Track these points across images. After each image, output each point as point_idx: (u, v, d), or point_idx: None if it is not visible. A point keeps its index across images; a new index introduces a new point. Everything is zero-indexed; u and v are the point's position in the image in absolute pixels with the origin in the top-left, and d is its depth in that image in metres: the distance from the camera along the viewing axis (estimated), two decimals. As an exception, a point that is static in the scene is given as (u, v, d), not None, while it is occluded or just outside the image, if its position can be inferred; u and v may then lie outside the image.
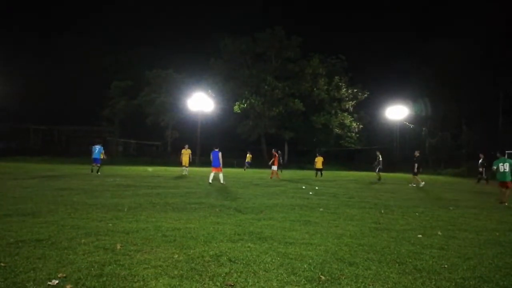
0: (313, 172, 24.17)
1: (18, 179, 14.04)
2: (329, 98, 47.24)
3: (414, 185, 17.14)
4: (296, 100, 45.10)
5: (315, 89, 46.70)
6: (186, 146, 20.24)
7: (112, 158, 34.69)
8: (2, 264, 3.61)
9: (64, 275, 3.38)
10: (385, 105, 43.66)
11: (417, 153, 17.97)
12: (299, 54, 46.72)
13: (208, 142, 43.31)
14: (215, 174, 14.86)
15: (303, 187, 14.94)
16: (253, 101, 44.53)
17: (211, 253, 4.27)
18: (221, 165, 15.00)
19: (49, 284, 3.14)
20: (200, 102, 40.71)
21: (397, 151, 43.08)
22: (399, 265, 4.11)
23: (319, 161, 23.14)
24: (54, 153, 40.24)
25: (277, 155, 20.50)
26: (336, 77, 47.10)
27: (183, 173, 19.27)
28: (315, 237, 5.31)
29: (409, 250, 4.74)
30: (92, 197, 8.99)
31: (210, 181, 14.61)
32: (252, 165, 31.52)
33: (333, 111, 47.17)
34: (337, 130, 46.94)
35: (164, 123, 45.99)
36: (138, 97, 45.46)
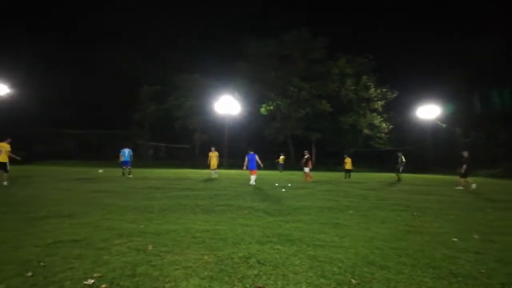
0: (341, 174, 23.85)
1: (55, 181, 14.64)
2: (357, 98, 46.45)
3: (462, 187, 15.96)
4: (323, 101, 44.66)
5: (342, 89, 46.08)
6: (213, 148, 20.32)
7: (142, 161, 35.60)
8: (42, 264, 3.78)
9: (100, 274, 3.50)
10: (415, 105, 42.53)
11: (465, 154, 16.67)
12: (325, 55, 46.25)
13: (235, 144, 43.77)
14: (252, 176, 15.25)
15: (276, 184, 15.56)
16: (279, 102, 44.49)
17: (240, 254, 4.30)
18: (257, 167, 15.43)
19: (85, 283, 3.27)
20: (227, 105, 41.20)
21: (429, 152, 41.82)
22: (433, 269, 3.99)
23: (348, 162, 22.83)
24: (87, 156, 41.71)
25: (309, 157, 20.13)
26: (364, 76, 46.23)
27: (212, 176, 19.39)
28: (345, 240, 5.24)
29: (443, 254, 4.59)
30: (124, 199, 9.25)
31: (251, 183, 14.86)
32: (278, 166, 31.45)
33: (361, 112, 46.32)
34: (366, 131, 46.07)
35: (192, 126, 46.81)
36: (167, 102, 46.55)
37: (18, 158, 13.09)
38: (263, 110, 45.35)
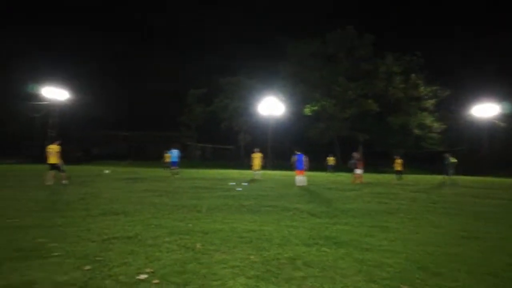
0: (389, 175, 23.04)
1: (108, 181, 15.47)
2: (406, 97, 44.57)
3: None
4: (369, 101, 43.35)
5: (390, 88, 44.44)
6: (257, 149, 20.29)
7: (190, 162, 36.66)
8: (98, 258, 4.01)
9: (151, 270, 3.65)
10: (470, 103, 40.10)
11: None
12: (371, 53, 44.90)
13: (279, 145, 43.79)
14: (300, 177, 15.09)
15: (231, 183, 15.31)
16: (324, 103, 43.81)
17: (286, 256, 4.29)
18: (306, 168, 15.30)
19: (138, 278, 3.42)
20: (271, 106, 41.34)
21: (486, 153, 39.23)
22: (492, 277, 3.74)
23: (399, 163, 22.00)
24: (138, 157, 43.67)
25: (360, 157, 19.50)
26: (413, 74, 44.27)
27: (255, 177, 19.40)
28: (394, 244, 5.05)
29: (503, 262, 4.28)
30: (173, 199, 9.56)
31: (299, 184, 14.79)
32: (319, 168, 30.99)
33: (411, 111, 44.34)
34: (416, 131, 44.06)
35: (237, 127, 47.56)
36: (213, 104, 47.68)
37: (62, 162, 13.81)
38: (307, 110, 44.89)
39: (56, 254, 4.14)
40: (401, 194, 12.70)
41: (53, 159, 13.32)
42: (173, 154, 20.39)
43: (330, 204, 9.32)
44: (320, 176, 25.02)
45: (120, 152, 50.09)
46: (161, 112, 54.49)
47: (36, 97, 39.11)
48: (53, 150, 13.39)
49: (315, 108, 44.47)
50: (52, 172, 13.17)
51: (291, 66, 46.61)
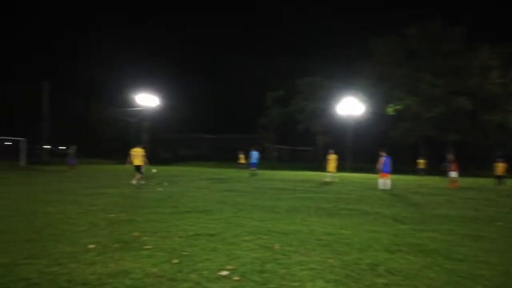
0: (485, 180, 20.81)
1: (193, 181, 16.41)
2: (505, 93, 39.75)
3: None
4: (460, 98, 39.52)
5: (485, 83, 40.02)
6: (332, 151, 19.47)
7: (268, 163, 37.26)
8: (185, 253, 4.29)
9: (232, 267, 3.79)
10: None
11: None
12: (461, 46, 40.88)
13: (359, 146, 42.23)
14: (384, 180, 14.46)
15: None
16: (408, 101, 41.12)
17: (367, 261, 4.14)
18: (388, 170, 14.55)
19: (220, 274, 3.58)
20: (350, 107, 40.12)
21: None
22: None
23: (500, 167, 19.73)
24: (220, 158, 45.58)
25: (455, 160, 17.94)
26: (514, 68, 39.31)
27: (327, 180, 18.43)
28: (491, 255, 4.57)
29: None
30: (253, 199, 9.80)
31: (382, 187, 14.20)
32: (410, 171, 29.17)
33: (511, 109, 39.47)
34: (517, 130, 39.12)
35: (315, 129, 47.03)
36: (290, 105, 47.81)
37: (147, 163, 14.51)
38: (390, 110, 42.53)
39: (148, 247, 4.51)
40: (499, 201, 11.42)
41: (138, 161, 14.03)
42: (253, 156, 20.90)
43: (417, 209, 8.75)
44: (405, 179, 23.59)
45: (205, 153, 52.98)
46: (244, 116, 56.51)
47: (131, 104, 43.13)
48: (137, 153, 14.11)
49: (398, 107, 41.94)
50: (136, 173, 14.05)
51: (371, 64, 44.68)
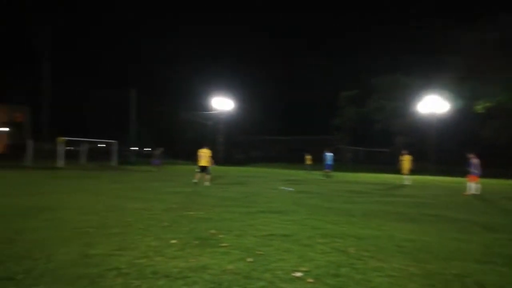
0: None
1: (266, 182, 16.63)
2: None
3: None
4: None
5: None
6: (405, 151, 18.40)
7: (342, 165, 36.34)
8: (259, 252, 4.37)
9: (306, 269, 3.77)
10: None
11: None
12: None
13: (442, 147, 39.05)
14: (473, 184, 13.31)
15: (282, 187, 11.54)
16: (502, 98, 37.01)
17: (453, 272, 3.83)
18: (479, 173, 13.31)
19: (293, 275, 3.59)
20: (432, 105, 37.29)
21: None
22: None
23: None
24: (292, 160, 45.50)
25: None
26: None
27: (404, 182, 17.63)
28: None
29: None
30: (327, 201, 9.64)
31: (471, 192, 13.09)
32: (501, 175, 26.21)
33: None
34: None
35: (393, 129, 44.61)
36: (366, 105, 45.99)
37: (214, 163, 14.86)
38: (479, 108, 38.67)
39: (224, 244, 4.69)
40: None
41: (204, 161, 14.21)
42: (327, 158, 20.56)
43: (511, 217, 7.86)
44: (496, 183, 21.31)
45: (278, 155, 53.40)
46: (317, 117, 56.00)
47: (208, 107, 45.26)
48: (205, 154, 14.32)
49: (489, 104, 37.96)
50: (201, 174, 14.21)
51: (458, 57, 41.05)
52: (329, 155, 20.48)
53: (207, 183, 13.90)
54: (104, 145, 36.30)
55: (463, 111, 39.69)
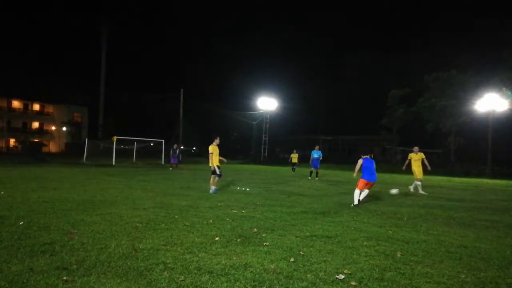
0: None
1: (310, 181, 16.47)
2: None
3: None
4: None
5: None
6: (416, 148, 14.02)
7: (390, 166, 35.11)
8: (301, 253, 4.36)
9: (349, 272, 3.71)
10: None
11: None
12: None
13: (500, 149, 36.40)
14: None
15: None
16: None
17: (508, 281, 3.59)
18: None
19: (336, 277, 3.54)
20: (490, 102, 34.85)
21: None
22: None
23: None
24: (338, 160, 44.65)
25: None
26: None
27: (411, 188, 14.04)
28: None
29: None
30: (372, 204, 9.37)
31: None
32: None
33: None
34: None
35: (446, 129, 42.27)
36: (417, 104, 43.95)
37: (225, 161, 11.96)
38: (543, 106, 35.66)
39: (266, 243, 4.73)
40: None
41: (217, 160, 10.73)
42: (315, 155, 18.85)
43: None
44: None
45: (323, 155, 52.67)
46: (363, 117, 54.68)
47: (253, 107, 45.72)
48: (213, 151, 10.54)
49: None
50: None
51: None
52: (316, 152, 18.85)
53: (213, 188, 10.53)
54: (152, 144, 37.79)
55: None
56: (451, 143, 42.59)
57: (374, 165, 9.01)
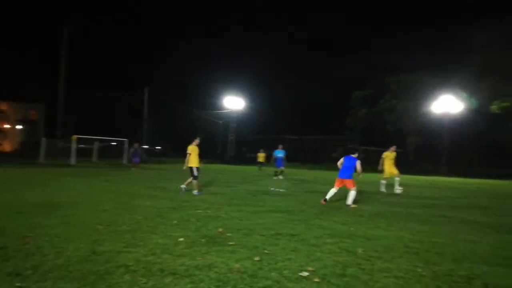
0: None
1: (278, 181, 16.60)
2: None
3: None
4: None
5: None
6: (393, 148, 14.82)
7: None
8: (266, 251, 4.38)
9: (313, 269, 3.77)
10: None
11: None
12: None
13: (455, 148, 38.38)
14: None
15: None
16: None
17: (461, 273, 3.79)
18: None
19: (300, 275, 3.58)
20: (446, 104, 36.67)
21: None
22: None
23: None
24: (303, 160, 45.35)
25: None
26: None
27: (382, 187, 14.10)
28: None
29: None
30: (335, 201, 9.57)
31: None
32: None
33: None
34: None
35: (406, 129, 44.05)
36: (378, 105, 45.50)
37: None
38: (494, 108, 37.84)
39: (231, 243, 4.71)
40: None
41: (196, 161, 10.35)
42: (278, 154, 18.97)
43: (525, 220, 7.71)
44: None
45: (289, 155, 53.26)
46: (328, 117, 55.86)
47: (219, 106, 45.45)
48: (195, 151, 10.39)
49: (505, 104, 37.13)
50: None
51: (475, 56, 40.12)
52: (279, 151, 18.98)
53: (195, 191, 10.12)
54: (116, 144, 36.65)
55: (478, 111, 38.98)
56: (410, 143, 44.35)
57: (350, 163, 9.10)
